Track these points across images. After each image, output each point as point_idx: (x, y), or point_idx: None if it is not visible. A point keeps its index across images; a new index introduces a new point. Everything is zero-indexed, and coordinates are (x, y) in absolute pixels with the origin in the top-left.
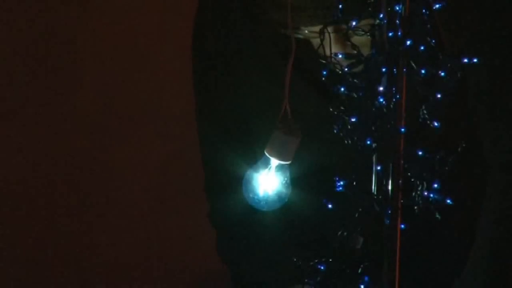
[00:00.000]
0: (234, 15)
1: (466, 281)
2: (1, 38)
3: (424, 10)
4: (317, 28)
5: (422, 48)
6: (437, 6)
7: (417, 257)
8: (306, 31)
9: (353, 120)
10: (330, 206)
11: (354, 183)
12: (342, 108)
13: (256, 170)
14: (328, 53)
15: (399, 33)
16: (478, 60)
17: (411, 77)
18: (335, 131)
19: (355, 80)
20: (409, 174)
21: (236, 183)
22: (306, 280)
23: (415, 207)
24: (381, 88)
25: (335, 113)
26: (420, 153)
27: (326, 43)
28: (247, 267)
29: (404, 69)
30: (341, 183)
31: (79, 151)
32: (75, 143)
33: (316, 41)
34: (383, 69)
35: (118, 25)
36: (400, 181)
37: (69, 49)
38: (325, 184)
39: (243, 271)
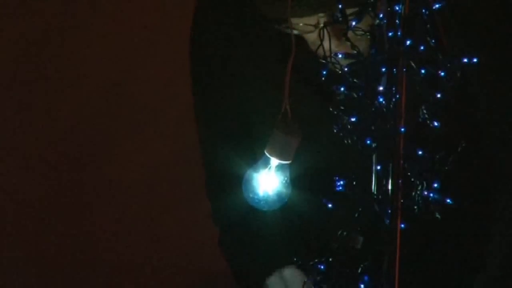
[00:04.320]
0: (231, 16)
1: (477, 281)
2: (1, 38)
3: (424, 10)
4: (300, 21)
5: (422, 48)
6: (437, 6)
7: (417, 257)
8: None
9: (352, 119)
10: (330, 205)
11: (354, 183)
12: (341, 107)
13: (256, 170)
14: (327, 52)
15: (399, 33)
16: (478, 60)
17: (411, 77)
18: (335, 131)
19: (355, 80)
20: (409, 174)
21: (237, 182)
22: (305, 280)
23: (415, 207)
24: (381, 88)
25: (335, 112)
26: (420, 153)
27: (325, 42)
28: (249, 265)
29: (404, 69)
30: (341, 182)
31: (79, 151)
32: (74, 143)
33: (308, 37)
34: (383, 69)
35: (118, 26)
36: (400, 181)
37: (68, 50)
38: (325, 184)
39: (246, 268)
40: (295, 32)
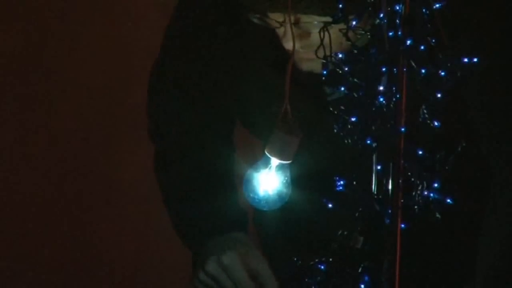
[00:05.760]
0: (217, 12)
1: (474, 280)
2: (1, 38)
3: (424, 10)
4: (275, 16)
5: (422, 47)
6: (437, 5)
7: (418, 256)
8: (268, 19)
9: (353, 119)
10: (330, 205)
11: (354, 183)
12: (342, 107)
13: (257, 170)
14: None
15: (399, 33)
16: (478, 60)
17: (411, 77)
18: (335, 131)
19: (355, 80)
20: (409, 173)
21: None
22: (306, 280)
23: (415, 207)
24: (381, 88)
25: (335, 112)
26: (420, 152)
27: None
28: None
29: (404, 69)
30: (341, 182)
31: (79, 151)
32: (75, 143)
33: (279, 31)
34: (383, 69)
35: (118, 26)
36: (400, 181)
37: (68, 50)
38: (326, 184)
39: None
40: (260, 23)
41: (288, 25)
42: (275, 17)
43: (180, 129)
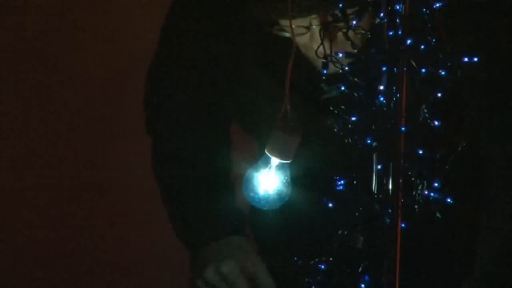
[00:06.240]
0: (222, 20)
1: (473, 279)
2: (1, 37)
3: (424, 9)
4: (298, 22)
5: (422, 47)
6: (437, 5)
7: (418, 256)
8: (286, 29)
9: (353, 119)
10: (330, 205)
11: (355, 182)
12: (342, 107)
13: (257, 169)
14: (322, 54)
15: (400, 32)
16: (478, 59)
17: (411, 77)
18: (335, 130)
19: (355, 79)
20: (409, 173)
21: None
22: (306, 280)
23: (416, 206)
24: (381, 87)
25: (336, 112)
26: (420, 152)
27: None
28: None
29: (405, 68)
30: (342, 182)
31: (79, 151)
32: (75, 143)
33: (300, 40)
34: (384, 68)
35: (118, 25)
36: (400, 180)
37: (68, 50)
38: (326, 184)
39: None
40: (287, 35)
41: (314, 28)
42: (301, 23)
43: (177, 128)
